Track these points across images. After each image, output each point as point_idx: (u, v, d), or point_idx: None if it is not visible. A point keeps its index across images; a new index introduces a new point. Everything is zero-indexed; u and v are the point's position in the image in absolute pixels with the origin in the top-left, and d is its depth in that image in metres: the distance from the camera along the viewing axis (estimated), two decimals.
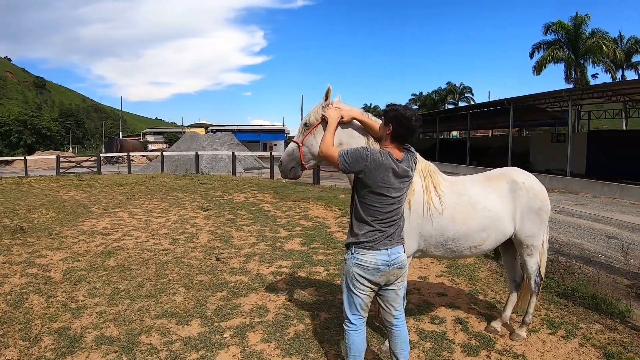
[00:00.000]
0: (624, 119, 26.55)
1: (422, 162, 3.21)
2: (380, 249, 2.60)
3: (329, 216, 9.08)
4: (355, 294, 2.67)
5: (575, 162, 19.82)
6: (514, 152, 22.88)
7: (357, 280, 2.63)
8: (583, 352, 3.49)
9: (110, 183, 14.89)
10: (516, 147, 24.20)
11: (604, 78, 38.71)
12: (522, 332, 3.71)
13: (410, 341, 3.05)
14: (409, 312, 3.89)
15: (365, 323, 2.76)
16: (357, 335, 2.72)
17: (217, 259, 5.77)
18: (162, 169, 20.29)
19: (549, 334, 3.81)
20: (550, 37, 31.70)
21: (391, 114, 2.63)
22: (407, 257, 3.18)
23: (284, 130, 65.42)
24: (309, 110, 3.17)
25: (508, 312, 3.90)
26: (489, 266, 5.63)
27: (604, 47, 28.83)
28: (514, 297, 3.89)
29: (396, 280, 2.69)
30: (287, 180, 14.89)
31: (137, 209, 9.67)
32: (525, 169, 3.77)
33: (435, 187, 3.19)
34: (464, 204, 3.26)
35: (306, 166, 3.07)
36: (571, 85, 30.66)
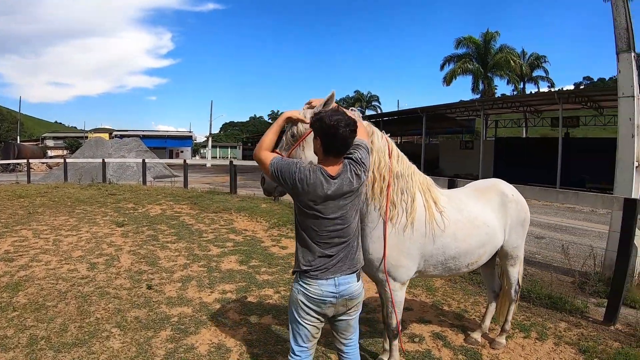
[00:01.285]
0: (524, 128, 29.38)
1: (419, 176, 2.99)
2: (326, 278, 2.26)
3: (257, 229, 8.59)
4: (300, 324, 2.33)
5: (484, 167, 21.50)
6: (424, 158, 24.12)
7: (302, 309, 2.30)
8: (560, 351, 3.65)
9: (8, 194, 12.87)
10: (426, 154, 25.56)
11: (504, 90, 42.79)
12: (502, 340, 3.72)
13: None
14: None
15: (312, 355, 2.42)
16: None
17: (149, 287, 4.97)
18: (66, 178, 18.03)
19: (524, 337, 3.90)
20: (460, 51, 34.36)
21: (316, 125, 2.25)
22: (403, 281, 2.94)
23: (191, 136, 63.02)
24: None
25: (487, 322, 3.88)
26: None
27: (511, 62, 31.99)
28: (492, 307, 3.88)
29: (348, 310, 2.36)
30: (203, 190, 14.36)
31: (42, 226, 8.33)
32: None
33: (435, 203, 2.97)
34: (465, 220, 3.11)
35: None
36: (478, 96, 33.44)
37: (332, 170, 2.25)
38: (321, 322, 2.35)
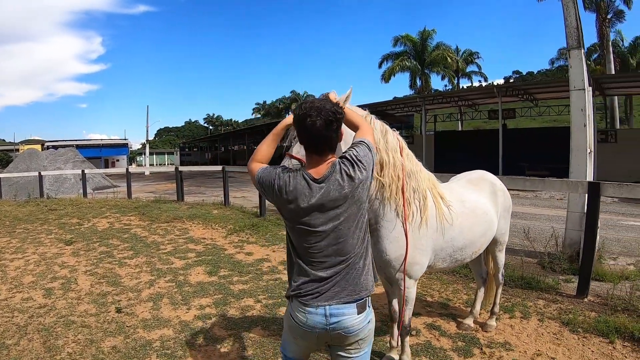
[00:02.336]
0: (459, 121, 30.82)
1: (425, 173, 3.00)
2: (315, 306, 1.87)
3: (215, 236, 8.33)
4: (286, 348, 2.05)
5: (426, 160, 22.30)
6: None
7: (288, 334, 2.02)
8: (546, 326, 3.93)
9: None
10: None
11: (437, 85, 44.67)
12: (493, 322, 3.93)
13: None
14: (381, 331, 3.73)
15: None
16: None
17: (119, 311, 4.58)
18: (0, 195, 16.66)
19: (510, 317, 4.13)
20: (398, 49, 35.24)
21: (293, 120, 1.97)
22: (417, 278, 2.97)
23: (127, 144, 60.37)
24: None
25: (478, 307, 4.05)
26: None
27: (448, 58, 33.34)
28: (481, 292, 4.06)
29: (347, 346, 1.94)
30: (148, 200, 13.60)
31: None
32: None
33: (442, 198, 3.02)
34: (468, 211, 3.22)
35: None
36: (414, 92, 34.52)
37: (317, 172, 1.89)
38: (308, 348, 2.04)
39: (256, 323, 4.19)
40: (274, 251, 7.03)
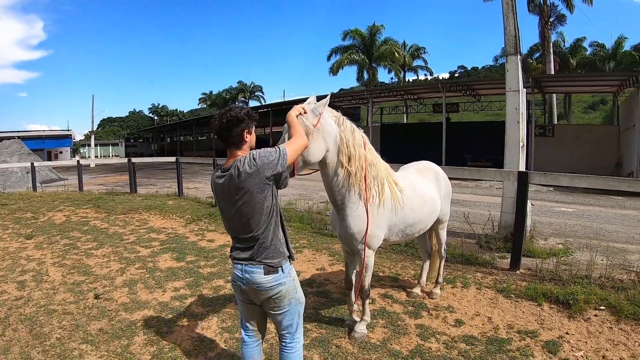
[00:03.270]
0: (405, 114, 32.00)
1: (383, 163, 3.59)
2: (238, 264, 2.47)
3: (175, 225, 8.58)
4: (239, 309, 2.70)
5: None
6: None
7: (235, 295, 2.65)
8: (484, 293, 4.58)
9: None
10: None
11: (384, 78, 45.82)
12: (438, 290, 4.58)
13: (367, 321, 3.74)
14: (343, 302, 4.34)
15: (259, 341, 2.70)
16: (246, 350, 2.68)
17: (97, 297, 4.81)
18: None
19: (452, 287, 4.79)
20: (347, 42, 35.82)
21: None
22: (375, 249, 3.56)
23: (70, 135, 57.35)
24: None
25: (424, 277, 4.74)
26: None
27: (396, 53, 34.31)
28: (427, 265, 4.76)
29: (269, 305, 2.50)
30: (100, 192, 13.46)
31: None
32: None
33: (396, 184, 3.62)
34: (417, 195, 3.84)
35: (296, 173, 2.95)
36: (360, 85, 35.25)
37: (226, 164, 2.43)
38: (249, 304, 2.56)
39: (229, 300, 4.58)
40: None
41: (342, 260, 5.75)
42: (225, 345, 3.67)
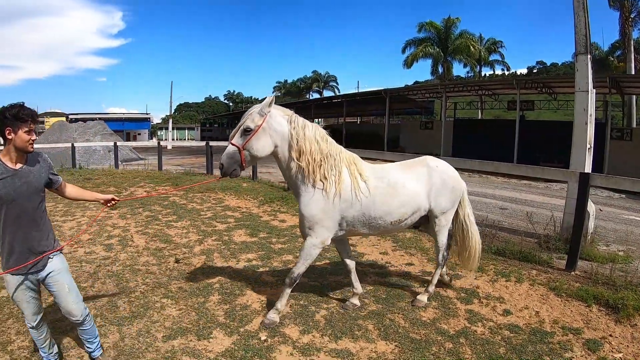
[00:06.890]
0: (479, 110, 31.24)
1: (346, 154, 3.75)
2: None
3: (249, 205, 9.14)
4: None
5: (445, 146, 22.97)
6: (384, 137, 25.49)
7: None
8: (536, 289, 4.67)
9: None
10: (388, 133, 26.86)
11: (459, 72, 44.47)
12: (424, 298, 4.28)
13: (279, 309, 3.81)
14: (412, 278, 4.82)
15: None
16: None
17: (177, 261, 5.48)
18: None
19: (506, 281, 4.89)
20: (422, 35, 35.18)
21: None
22: (323, 239, 3.69)
23: (149, 118, 60.97)
24: (246, 114, 3.47)
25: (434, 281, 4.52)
26: (427, 237, 6.35)
27: (471, 47, 33.44)
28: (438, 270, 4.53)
29: None
30: (178, 172, 14.53)
31: None
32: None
33: (360, 174, 3.70)
34: (384, 186, 3.75)
35: (245, 166, 3.45)
36: (435, 78, 34.67)
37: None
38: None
39: None
40: None
41: (405, 247, 6.15)
42: (291, 310, 4.11)
